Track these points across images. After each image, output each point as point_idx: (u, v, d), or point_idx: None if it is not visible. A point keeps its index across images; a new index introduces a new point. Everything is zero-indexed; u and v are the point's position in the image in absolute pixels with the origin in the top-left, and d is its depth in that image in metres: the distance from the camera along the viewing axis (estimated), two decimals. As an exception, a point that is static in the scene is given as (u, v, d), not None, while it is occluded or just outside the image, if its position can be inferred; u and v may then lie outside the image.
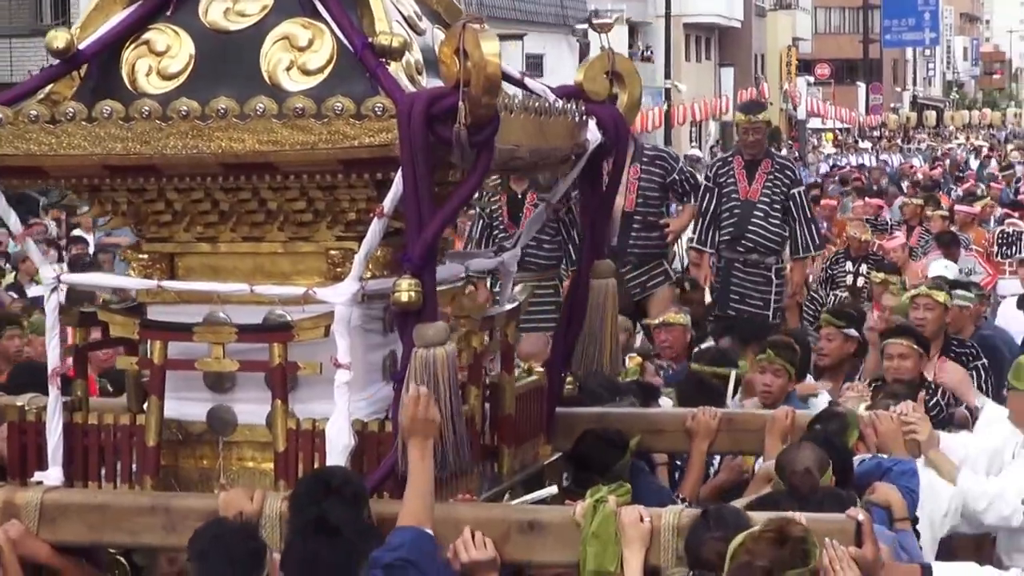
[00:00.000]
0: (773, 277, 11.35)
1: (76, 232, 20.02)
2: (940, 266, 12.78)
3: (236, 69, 5.38)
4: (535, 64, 41.94)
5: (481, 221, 11.06)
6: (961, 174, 35.34)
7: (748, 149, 11.54)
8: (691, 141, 53.17)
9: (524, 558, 5.28)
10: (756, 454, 6.86)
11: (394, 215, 5.23)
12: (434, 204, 5.14)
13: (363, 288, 5.30)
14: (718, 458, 7.38)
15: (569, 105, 5.90)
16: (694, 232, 11.56)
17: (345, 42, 5.34)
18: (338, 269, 5.41)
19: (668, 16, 44.10)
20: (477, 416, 5.78)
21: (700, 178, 11.83)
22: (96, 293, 7.29)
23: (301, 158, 5.20)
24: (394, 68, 5.26)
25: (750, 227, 11.31)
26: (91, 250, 17.59)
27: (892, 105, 74.00)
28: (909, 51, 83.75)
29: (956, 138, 60.26)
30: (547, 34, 44.27)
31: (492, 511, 5.43)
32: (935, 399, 8.12)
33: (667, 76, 44.90)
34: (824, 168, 41.11)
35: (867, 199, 22.52)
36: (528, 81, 6.06)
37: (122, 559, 5.63)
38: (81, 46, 5.48)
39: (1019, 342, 10.69)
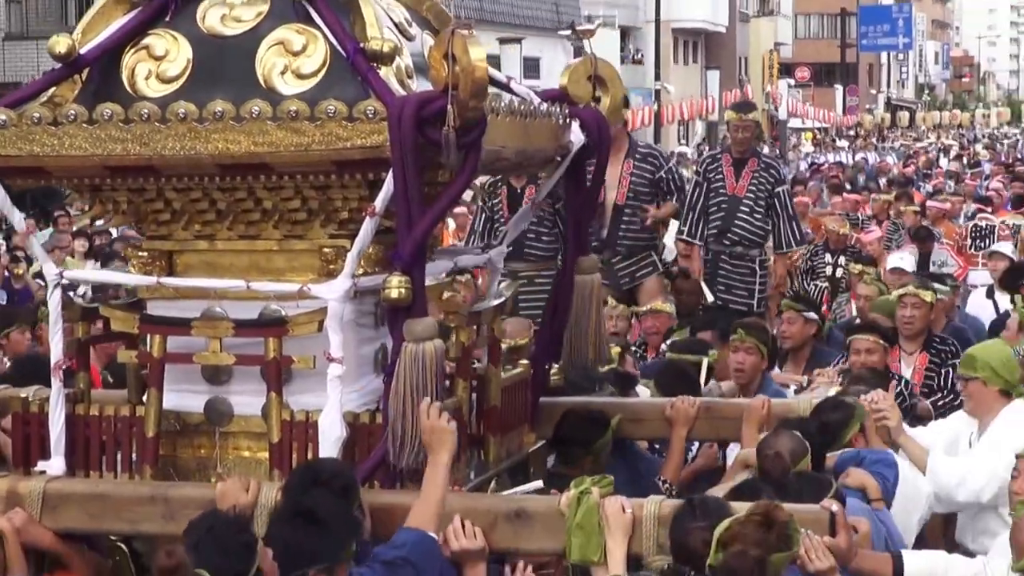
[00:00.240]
0: (757, 269, 11.31)
1: (99, 223, 19.82)
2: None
3: (232, 73, 5.28)
4: (532, 66, 42.00)
5: (483, 215, 10.98)
6: (929, 172, 35.27)
7: (737, 146, 11.51)
8: (679, 139, 53.24)
9: (511, 546, 5.18)
10: (734, 441, 6.74)
11: (385, 214, 5.15)
12: (423, 203, 5.06)
13: (355, 284, 5.21)
14: (696, 445, 7.26)
15: (553, 108, 5.82)
16: (684, 225, 11.49)
17: (338, 47, 5.24)
18: (331, 266, 5.32)
19: (658, 21, 44.25)
20: (465, 407, 5.69)
21: (688, 175, 11.75)
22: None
23: (295, 159, 5.10)
24: (385, 72, 5.17)
25: (736, 221, 11.27)
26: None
27: (867, 106, 74.03)
28: (884, 55, 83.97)
29: (928, 137, 60.25)
30: (544, 38, 44.29)
31: (481, 501, 5.33)
32: (899, 390, 8.03)
33: (657, 78, 45.16)
34: (803, 166, 41.03)
35: (845, 195, 22.46)
36: (514, 85, 5.97)
37: (122, 545, 5.51)
38: (83, 50, 5.38)
39: (987, 330, 10.58)
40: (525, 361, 6.39)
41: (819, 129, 63.53)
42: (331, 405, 5.16)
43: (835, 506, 5.05)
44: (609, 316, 9.96)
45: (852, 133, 62.53)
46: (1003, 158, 39.87)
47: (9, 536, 5.21)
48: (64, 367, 5.44)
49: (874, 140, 57.26)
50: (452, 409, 5.24)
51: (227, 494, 5.07)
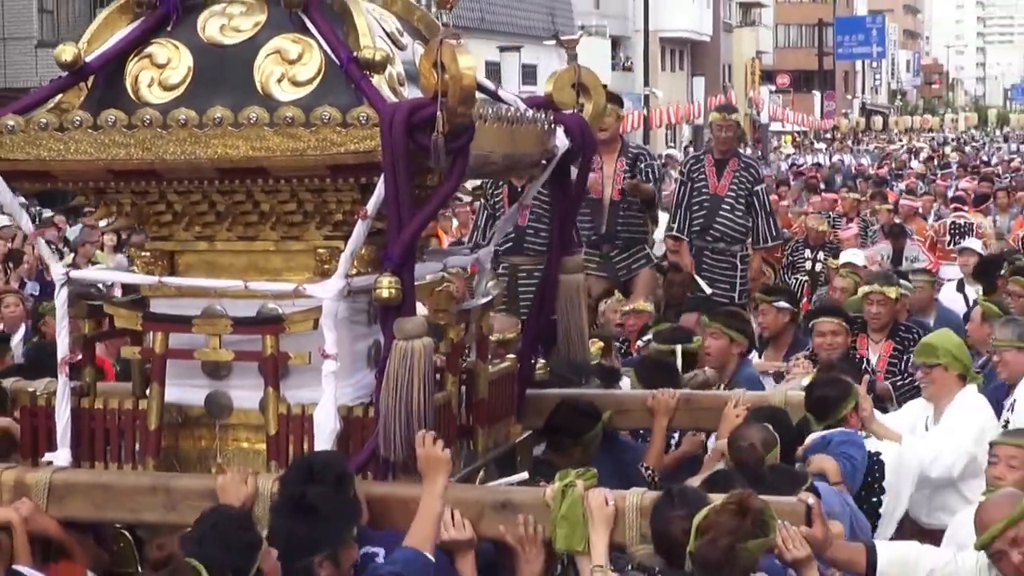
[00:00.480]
0: (738, 263, 11.26)
1: (103, 224, 19.65)
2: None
3: (231, 81, 5.17)
4: (530, 73, 41.98)
5: (485, 212, 10.87)
6: (902, 172, 35.23)
7: (720, 145, 11.46)
8: (667, 142, 53.16)
9: (498, 536, 5.04)
10: (712, 430, 6.65)
11: (377, 216, 5.05)
12: (413, 206, 4.96)
13: (349, 284, 5.12)
14: (677, 433, 7.14)
15: (538, 114, 5.72)
16: (672, 222, 11.47)
17: (332, 56, 5.13)
18: (326, 266, 5.21)
19: (646, 31, 44.22)
20: (454, 400, 5.58)
21: (672, 173, 11.65)
22: None
23: (291, 163, 4.99)
24: (377, 80, 5.06)
25: (718, 219, 11.22)
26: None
27: (844, 111, 74.09)
28: (859, 63, 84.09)
29: (900, 140, 60.25)
30: (540, 47, 44.23)
31: (470, 492, 5.22)
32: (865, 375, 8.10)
33: (645, 84, 45.23)
34: (784, 167, 41.00)
35: (823, 195, 22.42)
36: (501, 92, 5.87)
37: (126, 532, 5.43)
38: (88, 59, 5.28)
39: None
40: (512, 356, 6.29)
41: (798, 132, 63.68)
42: (326, 399, 5.06)
43: (811, 499, 4.97)
44: (614, 310, 10.05)
45: (829, 136, 62.68)
46: (971, 160, 39.82)
47: (16, 525, 5.10)
48: (70, 362, 5.33)
49: (849, 143, 57.31)
50: (442, 403, 5.11)
51: (228, 488, 4.97)
